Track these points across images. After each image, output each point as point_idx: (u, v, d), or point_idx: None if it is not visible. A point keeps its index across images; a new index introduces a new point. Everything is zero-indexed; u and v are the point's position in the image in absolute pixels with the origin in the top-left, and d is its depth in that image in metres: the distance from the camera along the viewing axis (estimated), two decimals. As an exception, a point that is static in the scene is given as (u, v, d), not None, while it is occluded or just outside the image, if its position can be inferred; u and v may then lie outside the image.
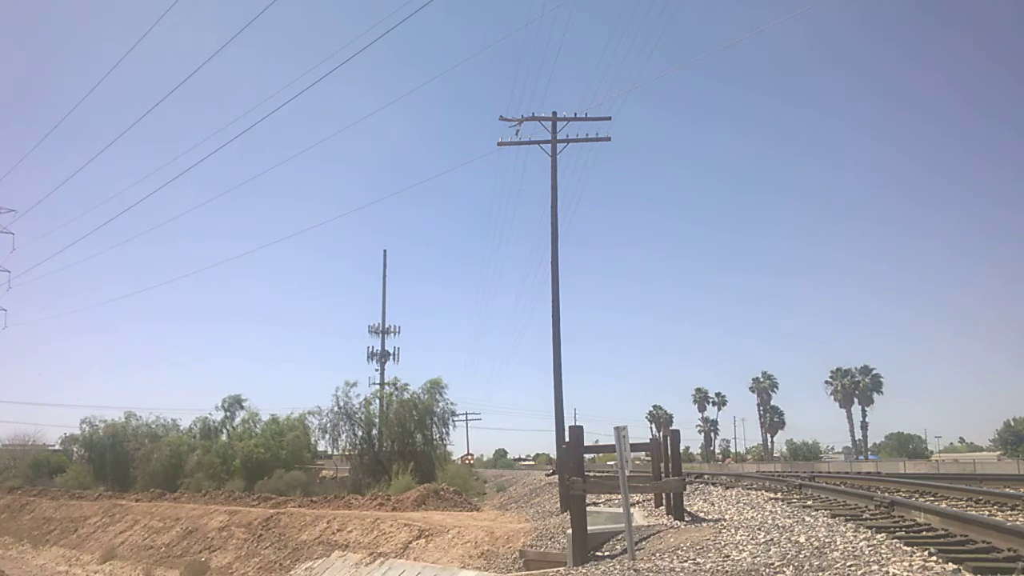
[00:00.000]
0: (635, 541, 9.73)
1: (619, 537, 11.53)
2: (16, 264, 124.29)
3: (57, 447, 62.94)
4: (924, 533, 8.36)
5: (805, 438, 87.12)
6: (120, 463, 47.23)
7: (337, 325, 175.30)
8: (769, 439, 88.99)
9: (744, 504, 13.23)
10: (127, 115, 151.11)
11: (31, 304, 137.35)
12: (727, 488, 17.31)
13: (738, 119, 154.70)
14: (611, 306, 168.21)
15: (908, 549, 7.13)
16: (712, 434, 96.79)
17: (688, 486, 15.45)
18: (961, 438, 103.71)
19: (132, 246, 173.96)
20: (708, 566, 7.55)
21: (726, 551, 8.26)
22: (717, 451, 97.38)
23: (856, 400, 78.20)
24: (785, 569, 6.90)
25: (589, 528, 11.73)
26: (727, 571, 7.22)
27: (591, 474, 20.49)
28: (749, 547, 8.28)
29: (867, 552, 7.16)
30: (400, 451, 38.21)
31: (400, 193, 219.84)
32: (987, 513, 10.12)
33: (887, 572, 6.26)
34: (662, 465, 14.42)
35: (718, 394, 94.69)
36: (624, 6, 72.69)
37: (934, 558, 6.62)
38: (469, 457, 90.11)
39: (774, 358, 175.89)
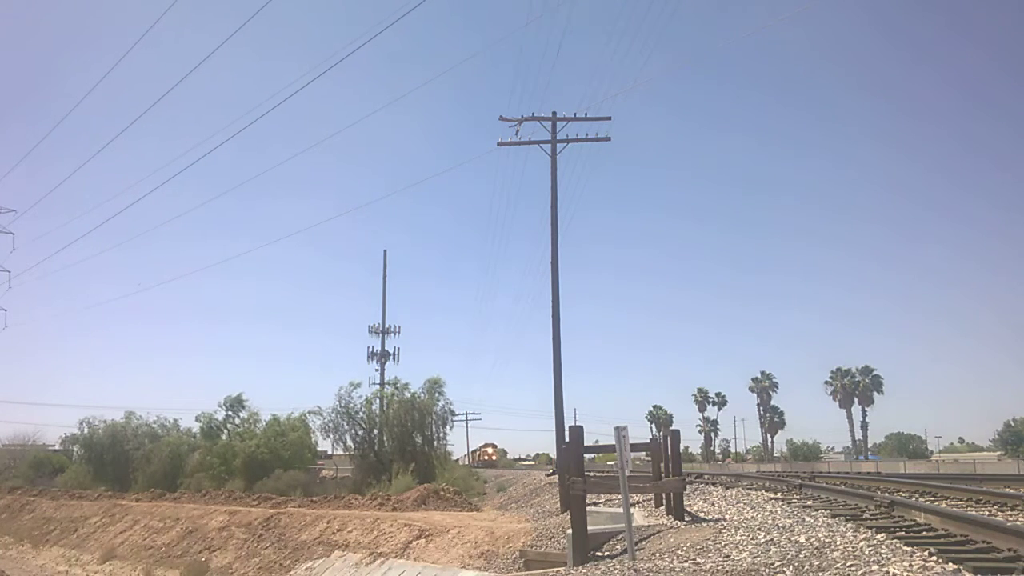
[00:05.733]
0: (635, 541, 9.73)
1: (619, 537, 11.52)
2: (16, 264, 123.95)
3: (57, 447, 62.98)
4: (924, 533, 8.35)
5: (805, 438, 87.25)
6: (120, 463, 47.26)
7: (337, 325, 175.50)
8: (769, 439, 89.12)
9: (744, 504, 13.22)
10: (126, 114, 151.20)
11: (31, 304, 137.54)
12: (727, 488, 17.30)
13: (739, 119, 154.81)
14: (611, 306, 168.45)
15: (908, 549, 7.13)
16: (712, 434, 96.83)
17: (688, 486, 15.45)
18: (961, 438, 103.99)
19: (132, 246, 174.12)
20: (708, 566, 7.55)
21: (726, 551, 8.26)
22: (717, 451, 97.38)
23: (856, 400, 78.21)
24: (785, 569, 6.89)
25: (589, 528, 11.72)
26: (727, 571, 7.22)
27: (591, 474, 20.49)
28: (749, 547, 8.27)
29: (867, 552, 7.15)
30: (400, 451, 38.26)
31: (400, 192, 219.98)
32: (987, 513, 10.13)
33: (887, 572, 6.26)
34: (662, 465, 14.41)
35: (718, 394, 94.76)
36: (624, 6, 72.83)
37: (934, 558, 6.62)
38: (490, 448, 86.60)
39: (774, 358, 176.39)
